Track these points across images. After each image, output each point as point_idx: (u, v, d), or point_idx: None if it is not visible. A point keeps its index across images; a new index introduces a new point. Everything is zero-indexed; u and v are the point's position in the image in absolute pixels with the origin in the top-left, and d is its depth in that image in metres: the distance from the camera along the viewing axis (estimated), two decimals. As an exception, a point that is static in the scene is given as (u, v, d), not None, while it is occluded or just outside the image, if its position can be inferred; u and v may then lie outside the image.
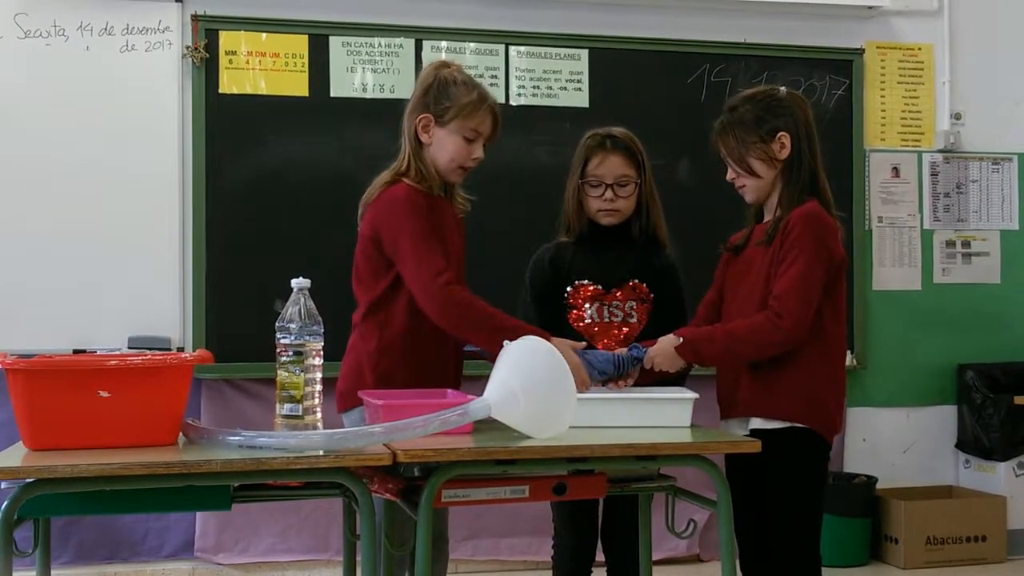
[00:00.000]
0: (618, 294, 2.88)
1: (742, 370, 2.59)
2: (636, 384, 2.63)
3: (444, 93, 2.63)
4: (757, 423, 2.56)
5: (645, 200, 2.89)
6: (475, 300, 2.51)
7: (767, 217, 2.67)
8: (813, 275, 2.49)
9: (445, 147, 2.63)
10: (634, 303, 2.88)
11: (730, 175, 2.67)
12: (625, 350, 2.62)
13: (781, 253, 2.52)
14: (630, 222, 2.90)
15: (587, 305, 2.87)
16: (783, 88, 2.67)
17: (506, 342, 2.27)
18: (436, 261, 2.50)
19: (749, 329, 2.51)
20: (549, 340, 2.47)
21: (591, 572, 2.94)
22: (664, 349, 2.55)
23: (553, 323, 2.80)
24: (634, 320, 2.87)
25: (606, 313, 2.87)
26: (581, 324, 2.86)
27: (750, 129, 2.60)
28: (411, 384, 2.53)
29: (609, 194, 2.84)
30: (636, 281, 2.89)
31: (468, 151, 2.64)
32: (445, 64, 2.71)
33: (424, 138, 2.65)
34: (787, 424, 2.53)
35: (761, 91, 2.67)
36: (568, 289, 2.89)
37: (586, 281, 2.88)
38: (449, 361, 2.69)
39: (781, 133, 2.59)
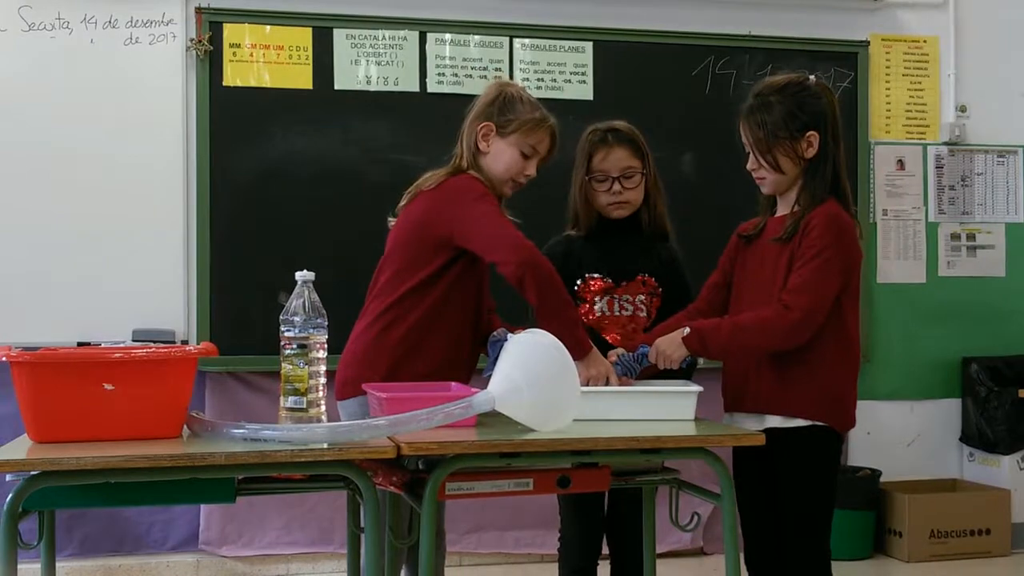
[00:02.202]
0: (628, 288, 2.88)
1: (755, 363, 2.57)
2: (642, 378, 2.63)
3: (509, 107, 2.68)
4: (775, 421, 2.52)
5: (651, 191, 2.90)
6: (554, 272, 2.51)
7: (781, 210, 2.64)
8: (829, 274, 2.46)
9: (502, 158, 2.67)
10: (643, 296, 2.88)
11: (751, 164, 2.62)
12: (625, 351, 2.61)
13: (799, 252, 2.49)
14: (638, 214, 2.90)
15: (597, 299, 2.87)
16: (812, 77, 2.61)
17: (509, 335, 2.27)
18: (516, 230, 2.52)
19: (756, 320, 2.49)
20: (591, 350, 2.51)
21: (597, 565, 2.94)
22: (671, 337, 2.54)
23: None
24: (643, 314, 2.87)
25: (616, 307, 2.87)
26: (591, 318, 2.86)
27: (779, 124, 2.54)
28: (423, 377, 2.54)
29: (616, 187, 2.85)
30: (646, 275, 2.89)
31: (523, 166, 2.68)
32: (509, 83, 2.79)
33: (483, 146, 2.69)
34: (807, 423, 2.51)
35: (792, 81, 2.60)
36: (578, 283, 2.89)
37: (596, 275, 2.88)
38: (464, 359, 2.69)
39: (810, 132, 2.54)
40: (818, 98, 2.57)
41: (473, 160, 2.68)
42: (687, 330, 2.52)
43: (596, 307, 2.87)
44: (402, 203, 2.71)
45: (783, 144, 2.55)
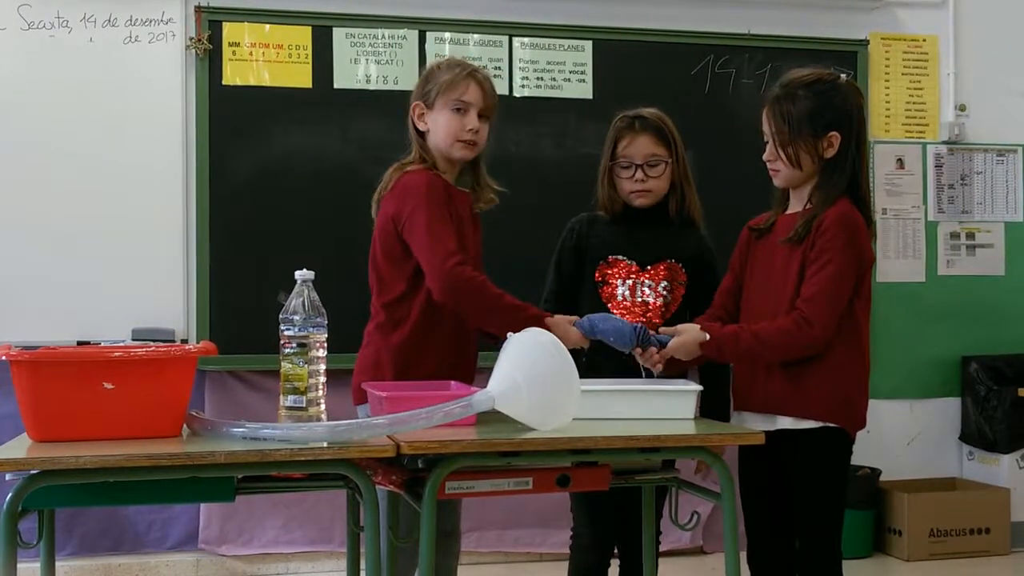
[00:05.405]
0: (652, 273, 2.85)
1: (764, 363, 2.55)
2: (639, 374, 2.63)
3: (430, 78, 2.71)
4: (787, 423, 2.51)
5: (679, 180, 2.87)
6: (483, 282, 2.53)
7: (793, 207, 2.62)
8: (843, 280, 2.45)
9: (438, 125, 2.67)
10: (666, 283, 2.84)
11: (768, 155, 2.59)
12: (642, 327, 2.58)
13: (813, 254, 2.48)
14: (666, 203, 2.87)
15: (619, 282, 2.85)
16: (844, 76, 2.59)
17: (509, 334, 2.27)
18: (448, 242, 2.52)
19: (776, 333, 2.46)
20: (549, 323, 2.51)
21: (608, 565, 2.93)
22: (686, 343, 2.51)
23: (571, 292, 2.85)
24: (661, 301, 2.82)
25: (637, 291, 2.84)
26: (613, 301, 2.84)
27: (804, 120, 2.51)
28: (430, 378, 2.55)
29: (640, 174, 2.81)
30: (672, 261, 2.85)
31: (461, 123, 2.65)
32: (435, 60, 2.81)
33: (421, 126, 2.70)
34: (820, 424, 2.50)
35: (822, 78, 2.56)
36: (600, 263, 2.87)
37: (620, 256, 2.86)
38: (467, 354, 2.70)
39: (832, 133, 2.51)
40: (846, 99, 2.55)
41: (421, 143, 2.70)
42: (707, 336, 2.50)
43: (618, 291, 2.84)
44: (374, 209, 2.73)
45: (805, 140, 2.53)
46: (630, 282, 2.84)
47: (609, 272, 2.85)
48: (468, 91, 2.66)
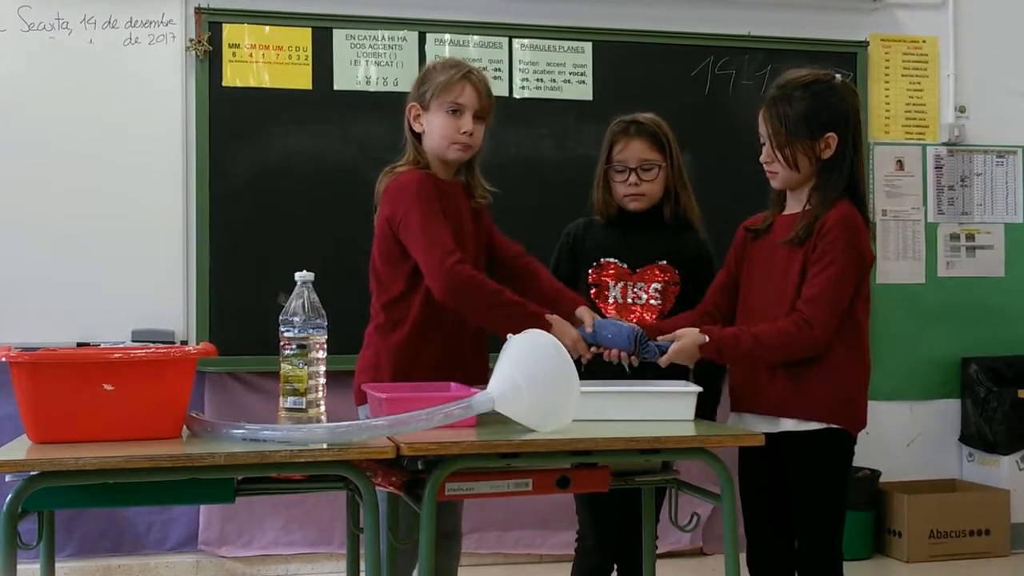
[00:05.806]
0: (643, 274, 2.86)
1: (765, 365, 2.54)
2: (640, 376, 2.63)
3: (426, 79, 2.70)
4: (790, 424, 2.51)
5: (674, 185, 2.88)
6: (483, 280, 2.53)
7: (791, 207, 2.62)
8: (845, 281, 2.45)
9: (433, 127, 2.66)
10: (658, 285, 2.85)
11: (765, 157, 2.59)
12: (641, 332, 2.58)
13: (815, 256, 2.47)
14: (661, 207, 2.88)
15: (611, 284, 2.86)
16: (839, 76, 2.59)
17: (509, 335, 2.27)
18: (445, 241, 2.52)
19: (776, 334, 2.46)
20: (549, 320, 2.51)
21: (613, 567, 2.93)
22: (686, 348, 2.50)
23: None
24: (657, 303, 2.84)
25: (629, 294, 2.85)
26: (605, 303, 2.85)
27: (801, 121, 2.51)
28: (432, 378, 2.55)
29: (633, 178, 2.83)
30: (664, 262, 2.87)
31: (456, 125, 2.64)
32: (432, 61, 2.79)
33: (417, 128, 2.70)
34: (823, 426, 2.49)
35: (819, 79, 2.55)
36: (592, 266, 2.88)
37: (611, 259, 2.87)
38: (468, 354, 2.69)
39: (829, 134, 2.51)
40: (842, 99, 2.54)
41: (416, 145, 2.70)
42: (706, 338, 2.49)
43: (610, 295, 2.86)
44: (376, 213, 2.73)
45: (802, 141, 2.52)
46: (621, 284, 2.85)
47: (601, 274, 2.87)
48: (463, 93, 2.65)
